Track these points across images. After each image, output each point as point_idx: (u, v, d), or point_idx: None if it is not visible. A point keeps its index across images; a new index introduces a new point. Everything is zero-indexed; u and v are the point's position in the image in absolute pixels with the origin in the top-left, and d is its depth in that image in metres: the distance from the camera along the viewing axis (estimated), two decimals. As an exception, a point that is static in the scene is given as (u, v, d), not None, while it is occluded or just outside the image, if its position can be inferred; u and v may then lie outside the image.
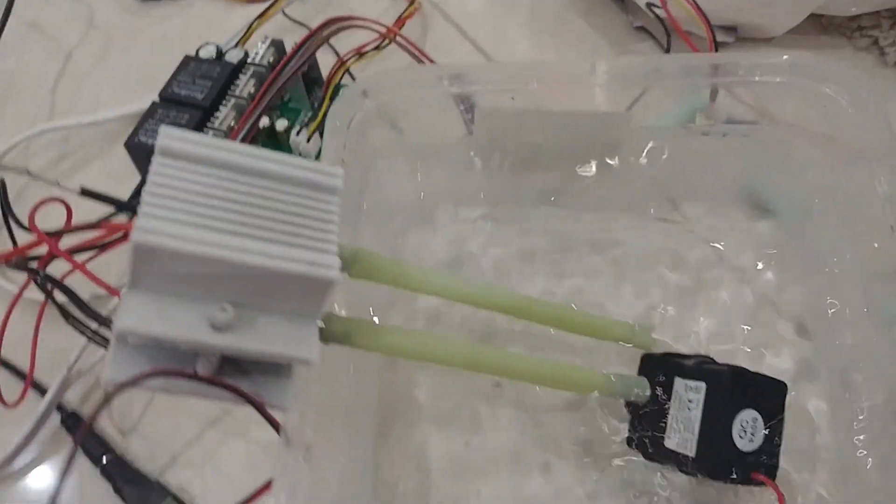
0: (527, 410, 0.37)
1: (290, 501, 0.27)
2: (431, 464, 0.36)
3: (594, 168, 0.40)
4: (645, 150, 0.40)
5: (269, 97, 0.43)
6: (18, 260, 0.32)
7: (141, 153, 0.43)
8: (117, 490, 0.37)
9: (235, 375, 0.28)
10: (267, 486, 0.32)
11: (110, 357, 0.27)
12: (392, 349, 0.29)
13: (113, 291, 0.26)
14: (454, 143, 0.41)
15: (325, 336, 0.29)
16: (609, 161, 0.40)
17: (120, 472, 0.38)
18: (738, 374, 0.32)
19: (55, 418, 0.40)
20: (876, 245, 0.34)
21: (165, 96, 0.45)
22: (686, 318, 0.39)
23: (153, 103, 0.45)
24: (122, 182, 0.46)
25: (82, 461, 0.39)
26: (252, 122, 0.43)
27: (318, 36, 0.43)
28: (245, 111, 0.45)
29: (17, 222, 0.31)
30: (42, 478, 0.39)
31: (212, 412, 0.40)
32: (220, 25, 0.54)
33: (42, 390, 0.40)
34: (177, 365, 0.27)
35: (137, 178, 0.46)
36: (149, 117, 0.44)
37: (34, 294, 0.42)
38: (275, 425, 0.29)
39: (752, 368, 0.32)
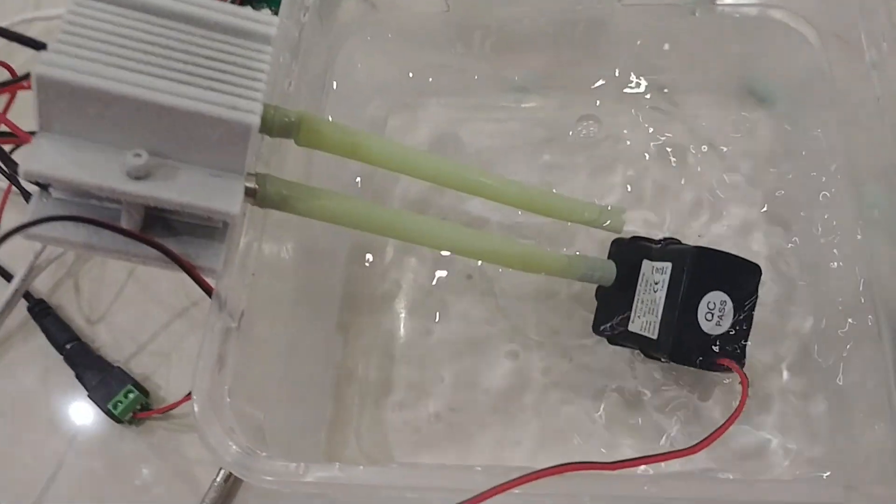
0: (496, 299, 0.36)
1: (216, 367, 0.26)
2: (395, 351, 0.35)
3: (579, 51, 0.38)
4: (633, 30, 0.37)
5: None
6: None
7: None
8: (79, 376, 0.37)
9: (164, 235, 0.27)
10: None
11: (30, 209, 0.26)
12: (332, 215, 0.28)
13: (24, 136, 0.25)
14: (431, 19, 0.38)
15: (261, 199, 0.27)
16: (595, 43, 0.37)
17: (82, 359, 0.37)
18: (705, 254, 0.30)
19: (22, 306, 0.40)
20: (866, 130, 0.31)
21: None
22: (668, 207, 0.36)
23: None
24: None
25: (48, 349, 0.38)
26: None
27: None
28: None
29: None
30: (8, 366, 0.39)
31: (180, 303, 0.39)
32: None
33: (8, 277, 0.39)
34: (102, 215, 0.26)
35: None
36: None
37: None
38: (206, 289, 0.27)
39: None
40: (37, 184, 0.26)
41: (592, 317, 0.34)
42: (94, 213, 0.26)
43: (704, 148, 0.38)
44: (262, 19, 0.27)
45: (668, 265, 0.30)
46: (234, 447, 0.24)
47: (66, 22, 0.24)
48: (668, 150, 0.38)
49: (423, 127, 0.41)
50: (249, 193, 0.27)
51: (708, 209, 0.36)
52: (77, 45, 0.24)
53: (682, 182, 0.37)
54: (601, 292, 0.33)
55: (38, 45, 0.25)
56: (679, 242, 0.31)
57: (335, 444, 0.33)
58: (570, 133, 0.39)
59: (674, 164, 0.37)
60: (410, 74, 0.40)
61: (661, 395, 0.33)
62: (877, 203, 0.30)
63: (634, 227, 0.36)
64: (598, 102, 0.39)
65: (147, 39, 0.25)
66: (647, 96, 0.39)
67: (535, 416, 0.33)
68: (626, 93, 0.39)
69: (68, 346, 0.38)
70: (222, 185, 0.25)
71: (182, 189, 0.25)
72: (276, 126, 0.28)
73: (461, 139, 0.40)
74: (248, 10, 0.27)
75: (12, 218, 0.39)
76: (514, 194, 0.32)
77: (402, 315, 0.36)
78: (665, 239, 0.32)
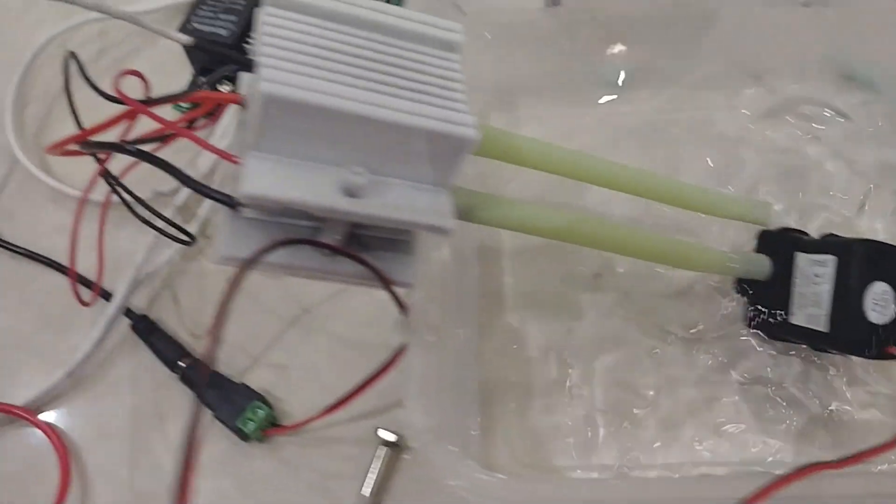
0: (630, 297, 0.36)
1: (422, 386, 0.25)
2: (531, 352, 0.35)
3: (686, 43, 0.38)
4: (741, 21, 0.37)
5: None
6: (90, 142, 0.29)
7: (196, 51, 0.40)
8: (199, 395, 0.36)
9: (359, 252, 0.26)
10: (378, 376, 0.30)
11: (224, 231, 0.24)
12: (521, 223, 0.27)
13: (230, 157, 0.23)
14: (531, 16, 0.37)
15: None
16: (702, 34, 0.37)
17: (200, 377, 0.36)
18: (872, 246, 0.30)
19: (123, 323, 0.38)
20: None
21: (216, -19, 0.42)
22: (791, 196, 0.37)
23: (203, -12, 0.41)
24: (170, 76, 0.43)
25: (157, 367, 0.37)
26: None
27: None
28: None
29: (97, 90, 0.28)
30: (114, 385, 0.37)
31: (290, 311, 0.38)
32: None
33: (106, 295, 0.38)
34: (299, 233, 0.25)
35: (187, 72, 0.43)
36: (202, 4, 0.41)
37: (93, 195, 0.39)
38: (402, 305, 0.27)
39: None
40: (224, 202, 0.24)
41: (730, 308, 0.34)
42: (290, 232, 0.25)
43: (820, 137, 0.38)
44: (447, 26, 0.26)
45: (831, 258, 0.30)
46: (477, 474, 0.23)
47: (264, 34, 0.23)
48: (778, 139, 0.38)
49: (525, 125, 0.40)
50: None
51: (826, 195, 0.37)
52: (287, 60, 0.23)
53: (802, 172, 0.37)
54: (744, 285, 0.34)
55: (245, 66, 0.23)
56: (835, 235, 0.32)
57: (488, 451, 0.33)
58: (677, 126, 0.39)
59: (789, 156, 0.38)
60: (509, 73, 0.40)
61: (805, 385, 0.33)
62: None
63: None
64: (704, 94, 0.39)
65: (346, 51, 0.24)
66: (752, 89, 0.39)
67: (687, 413, 0.33)
68: (732, 84, 0.39)
69: (182, 364, 0.36)
70: (430, 199, 0.25)
71: (396, 205, 0.24)
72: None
73: (563, 136, 0.40)
74: (432, 17, 0.26)
75: (109, 237, 0.37)
76: (665, 189, 0.32)
77: (538, 315, 0.36)
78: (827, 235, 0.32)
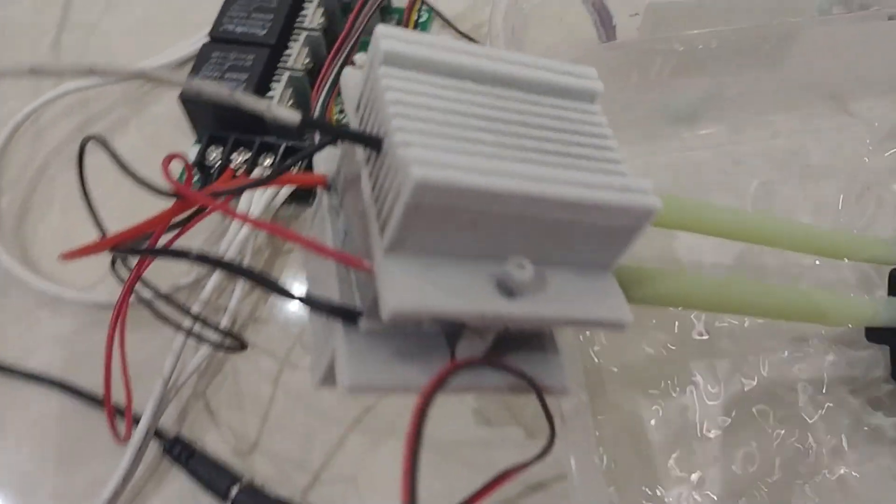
0: (745, 357, 0.31)
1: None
2: (651, 435, 0.30)
3: (761, 69, 0.34)
4: (820, 43, 0.34)
5: (362, 25, 0.35)
6: (129, 246, 0.24)
7: (200, 105, 0.35)
8: (259, 526, 0.30)
9: (510, 352, 0.21)
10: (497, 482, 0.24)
11: (345, 353, 0.19)
12: (687, 298, 0.23)
13: (354, 261, 0.18)
14: (591, 51, 0.34)
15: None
16: (779, 59, 0.34)
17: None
18: None
19: (152, 449, 0.32)
20: None
21: (218, 35, 0.36)
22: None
23: (204, 45, 0.36)
24: (167, 148, 0.37)
25: (200, 498, 0.31)
26: (344, 59, 0.34)
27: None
28: (320, 47, 0.37)
29: (148, 186, 0.22)
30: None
31: (348, 413, 0.33)
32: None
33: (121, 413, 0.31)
34: (423, 351, 0.20)
35: (189, 141, 0.37)
36: (204, 62, 0.35)
37: (101, 296, 0.33)
38: (549, 417, 0.22)
39: None
40: (346, 317, 0.19)
41: (857, 359, 0.31)
42: (418, 341, 0.20)
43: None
44: (584, 73, 0.21)
45: None
46: None
47: (390, 102, 0.18)
48: (869, 164, 0.35)
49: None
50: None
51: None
52: (426, 134, 0.18)
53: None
54: (877, 333, 0.30)
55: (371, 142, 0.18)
56: None
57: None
58: (759, 159, 0.35)
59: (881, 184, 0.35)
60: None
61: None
62: None
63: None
64: (786, 122, 0.36)
65: (486, 115, 0.19)
66: (829, 112, 0.36)
67: (837, 484, 0.29)
68: (810, 109, 0.36)
69: (234, 491, 0.30)
70: (598, 286, 0.20)
71: (567, 303, 0.19)
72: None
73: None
74: (566, 64, 0.21)
75: (139, 341, 0.31)
76: (797, 236, 0.28)
77: (651, 393, 0.31)
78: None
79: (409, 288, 0.17)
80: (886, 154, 0.34)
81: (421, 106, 0.18)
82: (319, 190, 0.23)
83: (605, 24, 0.35)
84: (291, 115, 0.17)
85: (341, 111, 0.38)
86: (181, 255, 0.20)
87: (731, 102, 0.35)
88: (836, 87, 0.36)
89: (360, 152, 0.20)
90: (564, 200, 0.18)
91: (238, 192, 0.21)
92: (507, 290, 0.18)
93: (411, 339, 0.20)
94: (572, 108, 0.21)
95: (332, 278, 0.21)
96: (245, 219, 0.20)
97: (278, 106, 0.17)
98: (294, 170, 0.29)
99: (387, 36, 0.19)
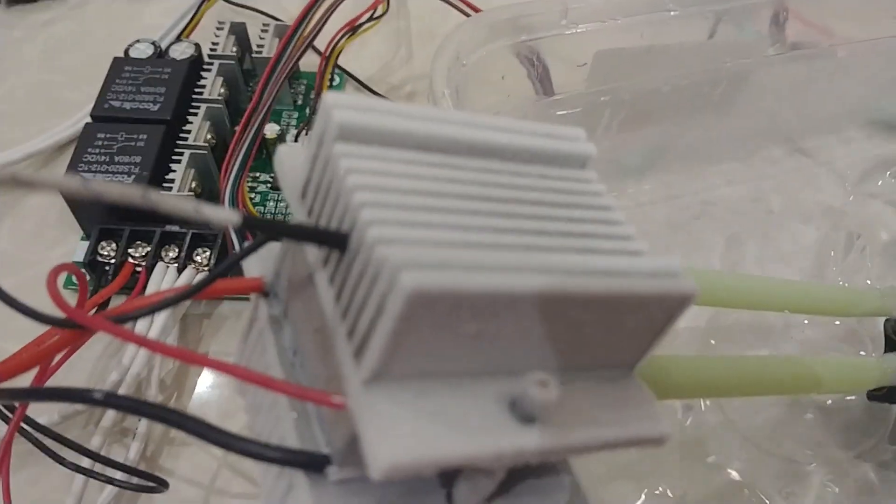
0: (737, 428, 0.28)
1: None
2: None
3: (711, 115, 0.32)
4: (770, 83, 0.32)
5: (273, 94, 0.30)
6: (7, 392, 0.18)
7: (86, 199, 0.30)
8: None
9: (515, 484, 0.17)
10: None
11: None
12: (710, 386, 0.19)
13: (320, 398, 0.13)
14: (531, 107, 0.31)
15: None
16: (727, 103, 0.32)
17: None
18: None
19: None
20: None
21: (102, 114, 0.31)
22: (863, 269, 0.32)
23: (87, 125, 0.31)
24: (52, 247, 0.32)
25: None
26: (255, 132, 0.30)
27: (321, 3, 0.32)
28: (222, 119, 0.33)
29: (33, 314, 0.16)
30: None
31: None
32: (129, 24, 0.40)
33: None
34: (410, 500, 0.16)
35: (74, 236, 0.32)
36: (88, 145, 0.30)
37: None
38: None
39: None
40: (312, 467, 0.15)
41: (856, 424, 0.28)
42: (399, 490, 0.16)
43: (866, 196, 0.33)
44: (571, 135, 0.18)
45: None
46: None
47: (358, 187, 0.14)
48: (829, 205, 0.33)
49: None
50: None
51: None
52: (406, 225, 0.14)
53: (868, 237, 0.32)
54: (877, 393, 0.27)
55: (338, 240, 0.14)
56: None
57: None
58: (719, 208, 0.33)
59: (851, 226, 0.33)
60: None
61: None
62: None
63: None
64: (742, 169, 0.34)
65: (472, 193, 0.15)
66: (784, 155, 0.34)
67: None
68: (763, 153, 0.34)
69: None
70: (624, 393, 0.16)
71: (595, 420, 0.15)
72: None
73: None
74: (550, 126, 0.18)
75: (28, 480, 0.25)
76: (790, 296, 0.25)
77: (635, 479, 0.27)
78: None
79: (405, 432, 0.13)
80: (850, 197, 0.33)
81: (393, 190, 0.14)
82: (254, 297, 0.18)
83: (542, 79, 0.32)
84: (229, 216, 0.13)
85: (255, 193, 0.33)
86: (79, 397, 0.15)
87: (683, 152, 0.33)
88: (789, 128, 0.34)
89: (312, 252, 0.15)
90: (589, 295, 0.14)
91: (157, 310, 0.16)
92: (525, 414, 0.14)
93: (395, 485, 0.16)
94: (564, 176, 0.17)
95: (282, 409, 0.17)
96: (157, 349, 0.15)
97: (209, 206, 0.13)
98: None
99: (339, 105, 0.15)
